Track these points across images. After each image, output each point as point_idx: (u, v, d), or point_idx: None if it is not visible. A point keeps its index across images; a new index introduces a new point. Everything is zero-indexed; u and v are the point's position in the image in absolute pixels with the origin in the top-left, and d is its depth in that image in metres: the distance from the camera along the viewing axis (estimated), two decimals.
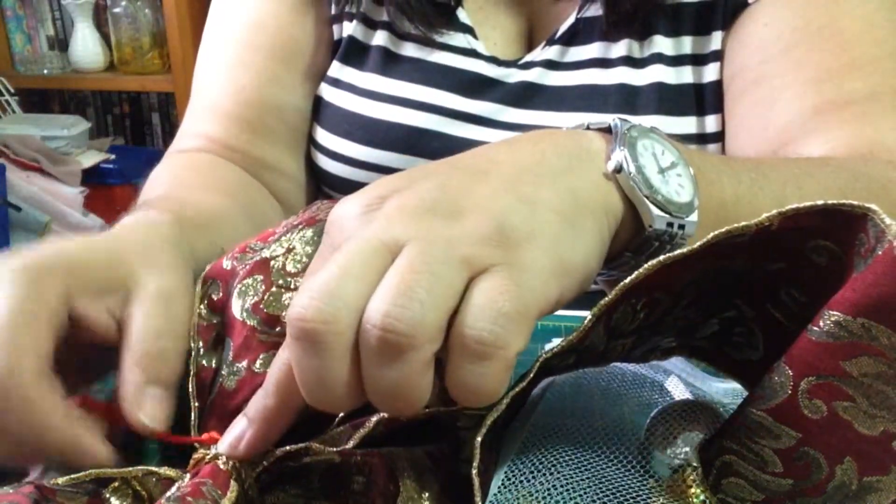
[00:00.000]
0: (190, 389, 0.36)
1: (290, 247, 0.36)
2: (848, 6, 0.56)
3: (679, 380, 0.39)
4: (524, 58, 0.65)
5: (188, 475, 0.32)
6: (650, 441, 0.32)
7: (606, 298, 0.29)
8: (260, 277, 0.36)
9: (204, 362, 0.36)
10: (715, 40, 0.61)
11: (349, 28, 0.67)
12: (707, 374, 0.41)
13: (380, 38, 0.66)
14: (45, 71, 2.26)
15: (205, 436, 0.33)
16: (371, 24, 0.67)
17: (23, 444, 0.32)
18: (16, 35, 2.32)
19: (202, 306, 0.37)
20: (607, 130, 0.35)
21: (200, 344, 0.36)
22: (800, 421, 0.27)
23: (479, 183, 0.31)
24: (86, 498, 0.31)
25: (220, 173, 0.64)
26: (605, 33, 0.62)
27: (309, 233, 0.36)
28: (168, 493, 0.30)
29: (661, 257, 0.28)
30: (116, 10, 2.17)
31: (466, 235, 0.28)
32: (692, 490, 0.30)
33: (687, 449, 0.31)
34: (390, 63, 0.66)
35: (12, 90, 2.19)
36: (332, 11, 0.68)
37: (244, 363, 0.35)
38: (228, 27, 0.69)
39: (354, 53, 0.67)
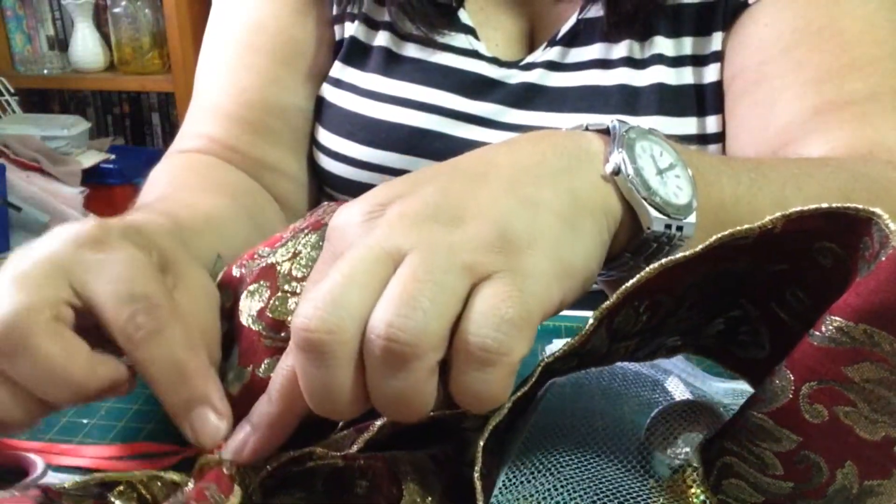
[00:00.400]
0: None
1: (296, 251, 0.36)
2: (848, 6, 0.56)
3: (679, 380, 0.39)
4: (525, 59, 0.65)
5: (192, 480, 0.32)
6: (650, 441, 0.32)
7: (608, 302, 0.29)
8: (266, 283, 0.36)
9: None
10: (715, 41, 0.61)
11: (351, 28, 0.67)
12: (707, 373, 0.41)
13: (381, 39, 0.66)
14: (45, 71, 2.26)
15: None
16: (373, 25, 0.67)
17: (47, 391, 0.31)
18: (16, 35, 2.32)
19: None
20: (606, 132, 0.35)
21: None
22: (801, 425, 0.27)
23: (480, 186, 0.30)
24: (91, 501, 0.31)
25: (219, 175, 0.64)
26: (605, 34, 0.62)
27: (314, 237, 0.37)
28: (172, 498, 0.30)
29: (663, 260, 0.28)
30: (116, 10, 2.17)
31: (468, 242, 0.28)
32: (692, 490, 0.30)
33: (687, 449, 0.31)
34: (392, 63, 0.66)
35: (12, 90, 2.18)
36: (334, 12, 0.68)
37: (249, 368, 0.35)
38: (229, 29, 0.69)
39: (356, 54, 0.67)
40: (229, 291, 0.37)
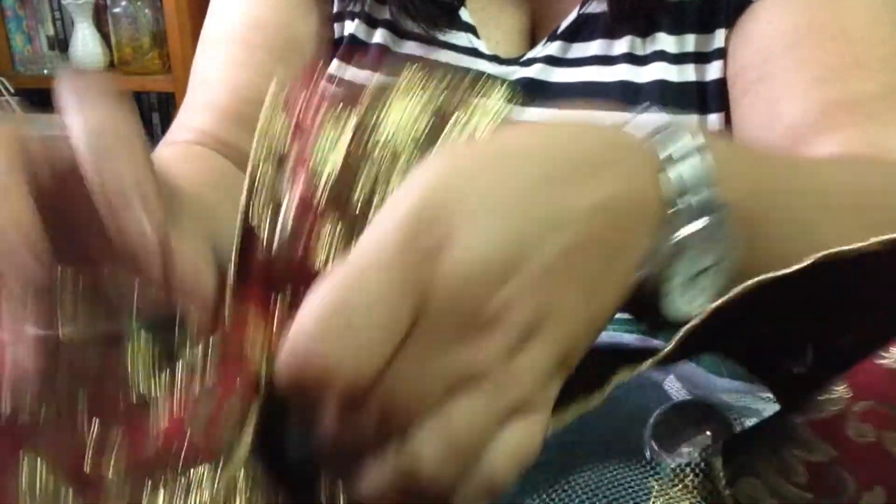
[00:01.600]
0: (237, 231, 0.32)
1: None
2: (851, 4, 0.56)
3: (679, 379, 0.39)
4: (526, 54, 0.65)
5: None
6: (651, 441, 0.32)
7: (694, 321, 0.28)
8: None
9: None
10: (718, 38, 0.60)
11: (350, 27, 0.67)
12: (709, 372, 0.41)
13: (379, 37, 0.67)
14: (45, 71, 2.26)
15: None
16: (372, 23, 0.67)
17: None
18: (16, 35, 2.33)
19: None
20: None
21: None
22: (842, 440, 0.27)
23: (572, 288, 0.28)
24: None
25: (203, 162, 0.63)
26: (607, 30, 0.62)
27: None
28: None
29: (760, 277, 0.27)
30: (116, 10, 2.17)
31: (528, 376, 0.27)
32: (694, 490, 0.30)
33: (689, 449, 0.31)
34: (390, 62, 0.66)
35: (12, 90, 2.19)
36: (335, 9, 0.68)
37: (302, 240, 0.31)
38: (227, 26, 0.69)
39: (354, 52, 0.67)
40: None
